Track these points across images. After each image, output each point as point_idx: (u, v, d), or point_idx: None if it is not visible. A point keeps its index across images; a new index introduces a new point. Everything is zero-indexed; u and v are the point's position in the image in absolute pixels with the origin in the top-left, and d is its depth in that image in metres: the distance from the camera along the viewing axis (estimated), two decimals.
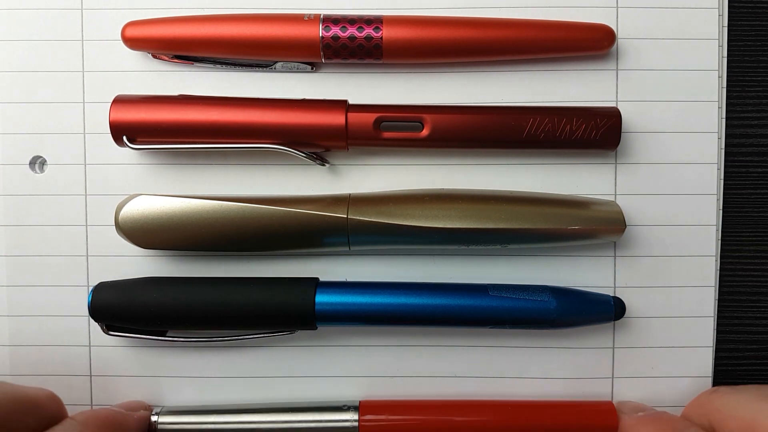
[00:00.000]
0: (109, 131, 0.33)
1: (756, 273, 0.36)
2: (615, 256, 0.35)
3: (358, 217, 0.32)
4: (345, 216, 0.32)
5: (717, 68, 0.34)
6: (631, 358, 0.35)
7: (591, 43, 0.34)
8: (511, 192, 0.34)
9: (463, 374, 0.35)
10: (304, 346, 0.35)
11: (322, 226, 0.32)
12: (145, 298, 0.33)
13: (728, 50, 0.35)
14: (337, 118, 0.33)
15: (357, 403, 0.34)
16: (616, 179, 0.35)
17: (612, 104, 0.35)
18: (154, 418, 0.34)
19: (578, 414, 0.34)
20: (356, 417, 0.33)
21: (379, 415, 0.33)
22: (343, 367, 0.35)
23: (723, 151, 0.35)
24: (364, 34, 0.33)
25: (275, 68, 0.35)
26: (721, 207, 0.35)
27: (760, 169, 0.36)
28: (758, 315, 0.36)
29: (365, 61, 0.34)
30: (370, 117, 0.33)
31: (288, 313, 0.33)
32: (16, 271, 0.35)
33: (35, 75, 0.35)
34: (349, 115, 0.33)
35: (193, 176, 0.35)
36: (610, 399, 0.35)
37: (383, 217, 0.32)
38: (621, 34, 0.35)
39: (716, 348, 0.35)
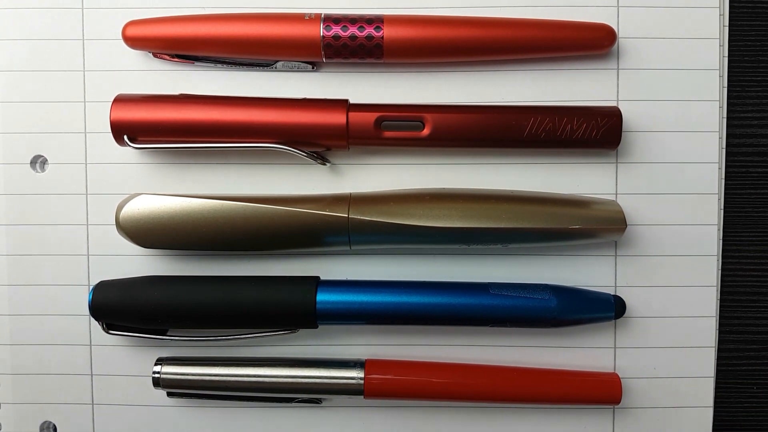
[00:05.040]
0: (110, 130, 0.33)
1: (757, 273, 0.36)
2: (616, 255, 0.35)
3: (359, 217, 0.32)
4: (346, 215, 0.32)
5: (718, 68, 0.34)
6: (632, 357, 0.35)
7: (592, 43, 0.34)
8: (512, 191, 0.34)
9: None
10: (306, 345, 0.35)
11: (323, 225, 0.32)
12: (146, 296, 0.33)
13: (729, 50, 0.35)
14: (338, 118, 0.33)
15: (363, 361, 0.34)
16: (616, 178, 0.35)
17: (613, 103, 0.34)
18: (156, 368, 0.34)
19: (582, 384, 0.34)
20: (362, 374, 0.33)
21: (385, 374, 0.33)
22: None
23: (724, 150, 0.35)
24: (365, 33, 0.33)
25: (276, 68, 0.35)
26: (722, 206, 0.35)
27: (760, 169, 0.36)
28: (759, 315, 0.36)
29: (366, 61, 0.34)
30: (371, 116, 0.33)
31: (289, 311, 0.33)
32: (17, 270, 0.35)
33: (36, 74, 0.35)
34: (350, 114, 0.33)
35: (194, 175, 0.35)
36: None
37: (384, 217, 0.32)
38: (622, 33, 0.34)
39: (718, 348, 0.35)
